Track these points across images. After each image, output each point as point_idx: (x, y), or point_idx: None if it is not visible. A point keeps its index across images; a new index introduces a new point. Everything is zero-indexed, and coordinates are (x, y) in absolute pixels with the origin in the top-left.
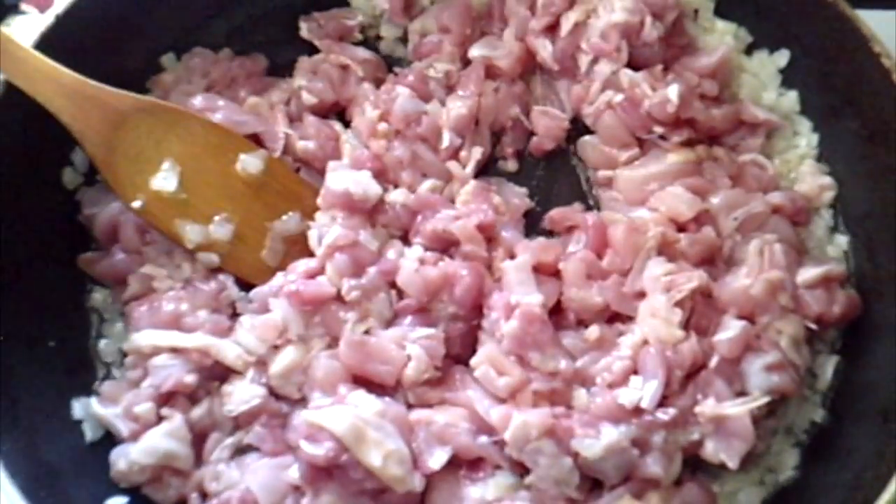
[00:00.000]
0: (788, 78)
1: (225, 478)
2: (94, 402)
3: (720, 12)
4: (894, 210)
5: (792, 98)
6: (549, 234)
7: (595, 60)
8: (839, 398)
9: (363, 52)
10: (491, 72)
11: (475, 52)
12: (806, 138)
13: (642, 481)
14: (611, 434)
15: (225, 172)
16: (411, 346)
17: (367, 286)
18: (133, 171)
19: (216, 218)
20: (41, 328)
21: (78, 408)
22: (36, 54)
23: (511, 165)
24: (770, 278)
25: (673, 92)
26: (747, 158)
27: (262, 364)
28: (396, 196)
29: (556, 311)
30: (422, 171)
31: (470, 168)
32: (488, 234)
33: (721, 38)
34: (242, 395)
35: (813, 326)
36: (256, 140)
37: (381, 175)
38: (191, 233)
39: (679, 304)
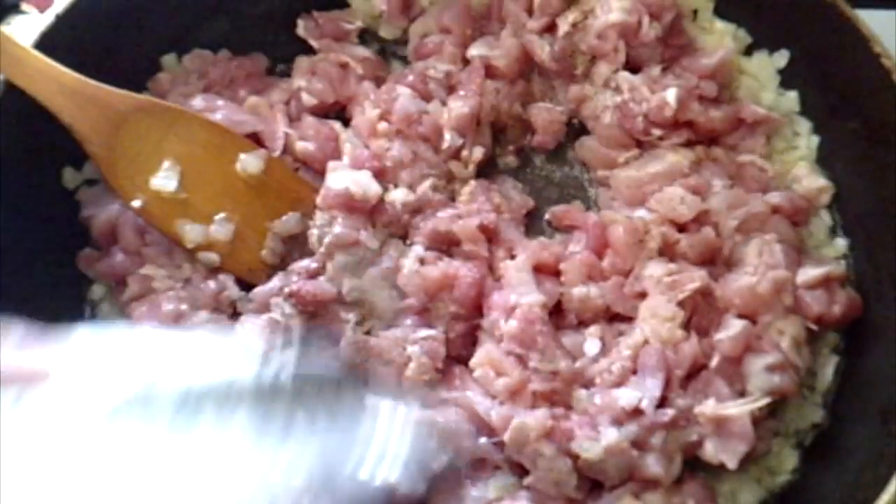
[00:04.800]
0: (788, 78)
1: None
2: None
3: (719, 13)
4: (894, 210)
5: (792, 98)
6: (551, 229)
7: (593, 61)
8: (839, 398)
9: (362, 51)
10: (491, 71)
11: (473, 51)
12: (805, 139)
13: (643, 482)
14: (611, 435)
15: (225, 172)
16: (412, 347)
17: (368, 286)
18: (133, 170)
19: (216, 218)
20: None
21: None
22: (36, 54)
23: (511, 163)
24: (776, 277)
25: (671, 95)
26: (746, 159)
27: None
28: (397, 196)
29: (556, 311)
30: (422, 171)
31: (471, 167)
32: (489, 234)
33: (720, 38)
34: None
35: (813, 327)
36: (256, 140)
37: (381, 175)
38: (191, 233)
39: (681, 304)
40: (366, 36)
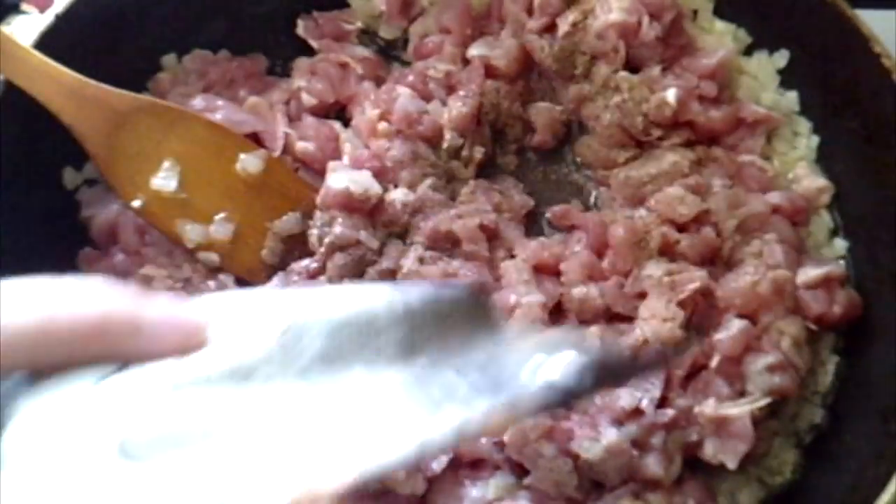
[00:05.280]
0: (788, 78)
1: None
2: None
3: (719, 13)
4: (894, 210)
5: (791, 98)
6: (551, 228)
7: (593, 61)
8: (839, 398)
9: (362, 51)
10: (491, 71)
11: (473, 51)
12: (805, 139)
13: (643, 482)
14: (611, 435)
15: (225, 172)
16: None
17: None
18: (133, 170)
19: (216, 218)
20: None
21: None
22: (36, 54)
23: (511, 163)
24: (776, 277)
25: (671, 95)
26: (746, 159)
27: None
28: (397, 196)
29: (556, 311)
30: (422, 171)
31: (471, 167)
32: (489, 234)
33: (720, 38)
34: None
35: (813, 327)
36: (256, 140)
37: (381, 175)
38: (191, 232)
39: (681, 304)
40: (366, 36)
